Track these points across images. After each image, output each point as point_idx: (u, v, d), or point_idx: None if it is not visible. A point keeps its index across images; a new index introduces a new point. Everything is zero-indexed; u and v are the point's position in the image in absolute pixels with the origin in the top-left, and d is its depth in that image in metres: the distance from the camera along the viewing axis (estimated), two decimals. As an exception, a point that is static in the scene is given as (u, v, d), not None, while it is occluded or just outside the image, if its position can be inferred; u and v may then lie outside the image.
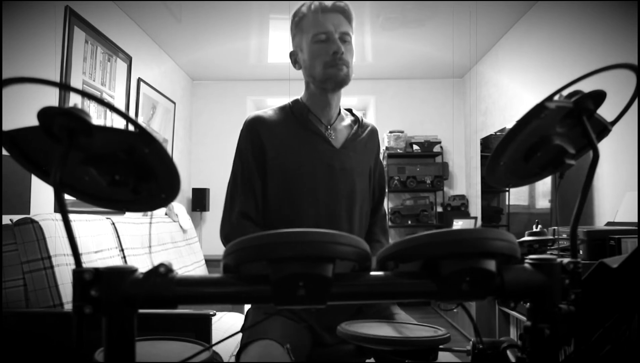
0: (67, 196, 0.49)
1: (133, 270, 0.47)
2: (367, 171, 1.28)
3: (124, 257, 2.26)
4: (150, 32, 3.67)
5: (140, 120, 3.57)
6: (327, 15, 1.16)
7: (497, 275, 0.48)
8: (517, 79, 3.58)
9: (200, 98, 4.97)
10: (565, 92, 0.51)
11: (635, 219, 1.99)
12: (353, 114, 1.33)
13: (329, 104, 1.23)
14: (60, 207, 0.45)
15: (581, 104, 0.50)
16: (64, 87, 0.48)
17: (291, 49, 1.27)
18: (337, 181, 1.20)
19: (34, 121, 0.45)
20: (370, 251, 0.49)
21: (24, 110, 1.98)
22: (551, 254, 0.56)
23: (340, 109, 1.30)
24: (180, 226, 3.16)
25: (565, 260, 0.49)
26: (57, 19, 2.49)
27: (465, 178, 4.88)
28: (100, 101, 0.49)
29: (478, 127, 4.45)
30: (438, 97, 4.96)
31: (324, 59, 1.16)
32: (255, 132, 1.20)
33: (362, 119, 1.33)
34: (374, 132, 1.34)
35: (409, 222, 4.62)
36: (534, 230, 1.04)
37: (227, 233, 1.17)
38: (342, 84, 1.19)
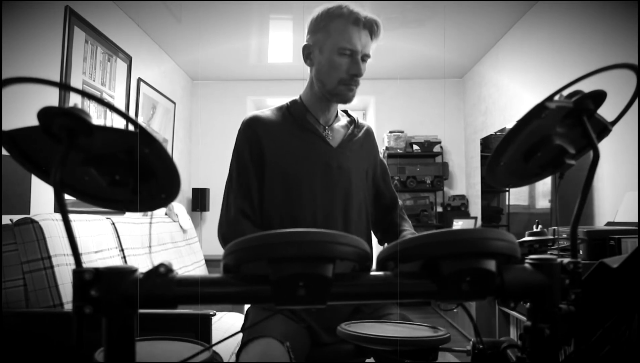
0: (67, 196, 0.49)
1: (133, 270, 0.47)
2: (363, 170, 1.29)
3: (124, 257, 2.26)
4: (150, 32, 3.67)
5: (140, 120, 3.57)
6: (360, 31, 1.15)
7: (497, 275, 0.48)
8: (517, 79, 3.58)
9: (200, 98, 4.97)
10: (565, 92, 0.51)
11: (635, 219, 1.99)
12: (349, 115, 1.36)
13: (329, 107, 1.25)
14: (60, 207, 0.45)
15: (581, 104, 0.50)
16: (64, 87, 0.48)
17: (307, 42, 1.22)
18: (335, 180, 1.21)
19: (34, 121, 0.45)
20: (370, 251, 0.49)
21: (24, 110, 1.98)
22: (551, 254, 0.56)
23: (337, 111, 1.31)
24: (180, 226, 3.16)
25: (565, 260, 0.49)
26: (57, 19, 2.49)
27: (465, 178, 4.88)
28: (100, 101, 0.49)
29: (478, 128, 4.45)
30: (438, 97, 4.96)
31: (341, 75, 1.16)
32: (253, 132, 1.21)
33: (357, 120, 1.35)
34: (369, 132, 1.35)
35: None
36: (534, 230, 1.04)
37: (224, 232, 1.18)
38: (347, 102, 1.21)
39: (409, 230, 1.29)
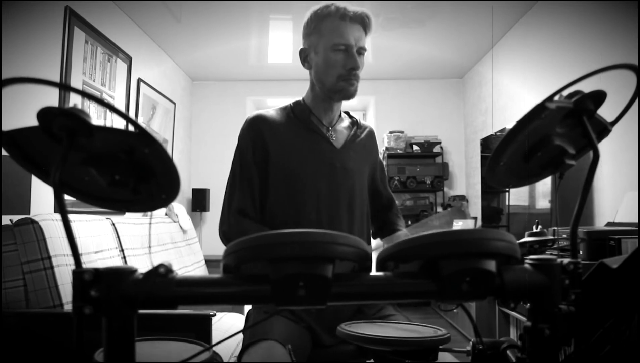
0: (67, 196, 0.49)
1: (133, 271, 0.46)
2: (366, 171, 1.30)
3: (124, 257, 2.26)
4: (150, 32, 3.67)
5: (140, 120, 3.57)
6: (351, 26, 1.15)
7: (497, 275, 0.48)
8: (517, 79, 3.58)
9: (200, 98, 4.97)
10: (565, 93, 0.51)
11: (635, 220, 1.99)
12: (351, 116, 1.36)
13: (332, 108, 1.25)
14: (60, 207, 0.45)
15: (581, 104, 0.50)
16: (64, 87, 0.48)
17: (302, 46, 1.24)
18: (339, 181, 1.21)
19: (34, 121, 0.44)
20: (370, 251, 0.49)
21: (24, 110, 1.97)
22: (551, 254, 0.56)
23: (340, 111, 1.31)
24: (180, 227, 3.16)
25: (565, 260, 0.49)
26: (57, 19, 2.49)
27: (465, 178, 4.88)
28: (100, 101, 0.49)
29: (478, 128, 4.45)
30: (438, 97, 4.95)
31: (339, 71, 1.16)
32: (257, 130, 1.21)
33: (360, 121, 1.35)
34: (372, 134, 1.36)
35: (409, 222, 4.61)
36: (534, 230, 1.04)
37: (225, 229, 1.18)
38: (350, 98, 1.21)
39: (402, 230, 1.32)
